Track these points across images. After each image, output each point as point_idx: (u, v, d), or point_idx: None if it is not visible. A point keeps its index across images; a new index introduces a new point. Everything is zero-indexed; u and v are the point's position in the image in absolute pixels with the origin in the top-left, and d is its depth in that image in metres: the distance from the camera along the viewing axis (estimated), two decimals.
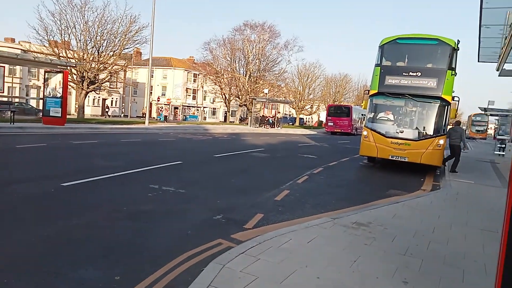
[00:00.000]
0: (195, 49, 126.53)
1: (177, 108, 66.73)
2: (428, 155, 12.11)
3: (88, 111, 48.21)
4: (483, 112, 35.05)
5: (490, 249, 5.08)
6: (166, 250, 4.50)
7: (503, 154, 22.38)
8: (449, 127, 13.84)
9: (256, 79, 50.82)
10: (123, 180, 8.30)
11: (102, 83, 36.66)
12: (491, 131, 67.68)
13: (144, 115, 51.49)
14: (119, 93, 59.91)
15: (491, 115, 33.21)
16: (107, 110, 50.76)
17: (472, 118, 54.78)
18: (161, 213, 6.01)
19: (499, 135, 25.72)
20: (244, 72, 51.47)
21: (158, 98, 61.44)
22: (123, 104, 60.93)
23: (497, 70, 16.37)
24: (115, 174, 8.67)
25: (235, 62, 52.15)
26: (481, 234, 5.88)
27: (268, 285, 3.56)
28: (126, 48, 35.11)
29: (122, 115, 57.43)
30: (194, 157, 13.17)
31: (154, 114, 57.09)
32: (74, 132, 19.53)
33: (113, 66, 35.07)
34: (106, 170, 9.00)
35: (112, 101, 58.77)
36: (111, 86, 50.75)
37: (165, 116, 46.19)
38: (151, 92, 52.35)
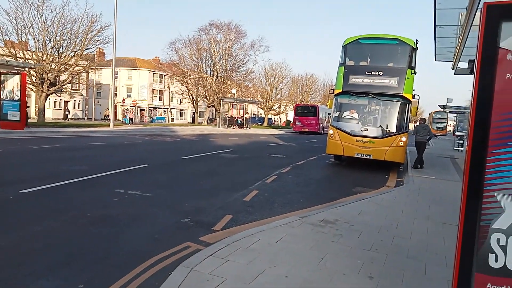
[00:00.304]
0: (160, 49, 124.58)
1: (144, 109, 65.41)
2: (391, 152, 12.50)
3: (49, 114, 46.31)
4: (442, 110, 36.51)
5: (450, 242, 5.30)
6: (132, 255, 4.40)
7: (461, 150, 23.43)
8: (412, 124, 14.36)
9: (223, 80, 50.63)
10: (87, 185, 8.04)
11: (64, 85, 35.34)
12: (450, 128, 70.64)
13: (106, 117, 50.00)
14: (82, 95, 57.95)
15: (450, 112, 34.61)
16: (67, 112, 48.44)
17: (432, 115, 56.90)
18: (127, 218, 5.87)
19: (458, 131, 26.89)
20: (211, 73, 51.14)
21: (123, 99, 59.92)
22: (87, 107, 59.05)
23: (453, 69, 17.08)
24: (79, 179, 8.39)
25: (201, 62, 51.72)
26: (442, 227, 6.12)
27: (237, 286, 3.55)
28: (88, 49, 33.99)
29: (86, 117, 55.64)
30: (161, 160, 12.96)
31: (119, 116, 55.69)
32: (35, 136, 18.75)
33: (74, 67, 33.88)
34: (69, 175, 8.70)
35: (74, 103, 56.80)
36: (73, 88, 49.00)
37: (130, 118, 44.88)
38: (115, 94, 51.08)
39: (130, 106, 54.94)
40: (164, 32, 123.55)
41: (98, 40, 33.63)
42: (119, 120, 49.91)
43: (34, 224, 5.30)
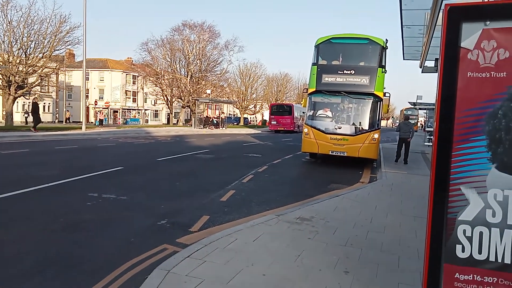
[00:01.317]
0: (132, 50, 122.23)
1: (117, 111, 64.16)
2: (365, 149, 12.76)
3: (18, 118, 44.69)
4: (413, 107, 37.47)
5: (422, 235, 5.43)
6: (108, 260, 4.32)
7: (432, 145, 24.10)
8: (384, 121, 14.94)
9: (198, 80, 50.23)
10: (59, 190, 7.84)
11: (32, 88, 34.20)
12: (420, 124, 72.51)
13: (67, 120, 48.46)
14: (52, 98, 56.26)
15: (420, 109, 35.58)
16: (26, 116, 44.85)
17: (403, 112, 58.37)
18: (101, 222, 5.76)
19: (428, 127, 27.63)
20: (186, 73, 50.65)
21: (96, 101, 58.60)
22: (57, 109, 57.34)
23: (420, 67, 17.58)
24: (50, 184, 8.16)
25: (175, 62, 51.12)
26: (414, 221, 6.30)
27: (214, 286, 3.56)
28: (57, 50, 32.93)
29: (57, 120, 54.00)
30: (136, 162, 12.76)
31: (92, 119, 54.38)
32: (2, 141, 18.07)
33: (43, 69, 32.83)
34: (40, 180, 8.44)
35: (44, 106, 55.05)
36: (42, 91, 47.44)
37: (101, 120, 43.45)
38: (87, 96, 49.90)
39: (103, 108, 53.73)
40: (136, 32, 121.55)
41: (67, 41, 32.66)
42: (91, 122, 48.76)
43: (4, 232, 5.13)
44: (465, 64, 2.19)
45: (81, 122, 30.30)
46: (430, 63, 15.98)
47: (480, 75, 2.17)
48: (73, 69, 57.00)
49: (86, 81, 36.24)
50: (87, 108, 47.04)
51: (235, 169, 11.82)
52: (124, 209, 6.58)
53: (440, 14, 7.85)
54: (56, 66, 37.68)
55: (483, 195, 2.20)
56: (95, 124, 45.49)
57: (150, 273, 3.82)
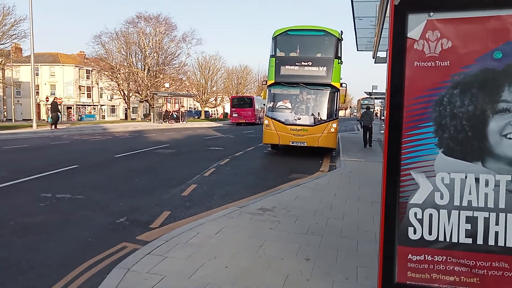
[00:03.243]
0: (85, 43, 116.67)
1: (71, 108, 61.49)
2: (324, 139, 13.04)
3: None
4: (369, 96, 38.60)
5: (379, 219, 5.66)
6: (63, 263, 4.16)
7: None
8: (342, 112, 15.52)
9: (155, 73, 49.04)
10: (7, 192, 7.42)
11: None
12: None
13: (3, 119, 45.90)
14: None
15: (376, 98, 36.71)
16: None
17: (360, 102, 60.09)
18: (56, 223, 5.52)
19: (383, 116, 28.62)
20: (142, 67, 49.29)
21: (47, 98, 55.70)
22: (5, 107, 54.08)
23: (373, 58, 18.14)
24: None
25: (131, 56, 49.58)
26: (371, 206, 6.53)
27: (177, 282, 3.52)
28: (1, 44, 31.17)
29: (5, 119, 50.95)
30: (92, 160, 12.30)
31: (44, 116, 51.78)
32: None
33: None
34: None
35: None
36: None
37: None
38: (37, 92, 47.42)
39: None
40: (87, 25, 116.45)
41: (12, 35, 30.97)
42: (43, 120, 46.45)
43: None
44: (412, 53, 2.27)
45: (32, 119, 28.73)
46: (382, 54, 16.52)
47: (426, 64, 2.26)
48: (20, 64, 53.90)
49: (36, 76, 34.37)
50: (38, 105, 44.67)
51: (197, 163, 11.71)
52: (80, 209, 6.34)
53: (388, 5, 8.11)
54: (1, 61, 35.52)
55: (431, 179, 2.31)
56: (47, 121, 43.29)
57: (109, 273, 3.72)
